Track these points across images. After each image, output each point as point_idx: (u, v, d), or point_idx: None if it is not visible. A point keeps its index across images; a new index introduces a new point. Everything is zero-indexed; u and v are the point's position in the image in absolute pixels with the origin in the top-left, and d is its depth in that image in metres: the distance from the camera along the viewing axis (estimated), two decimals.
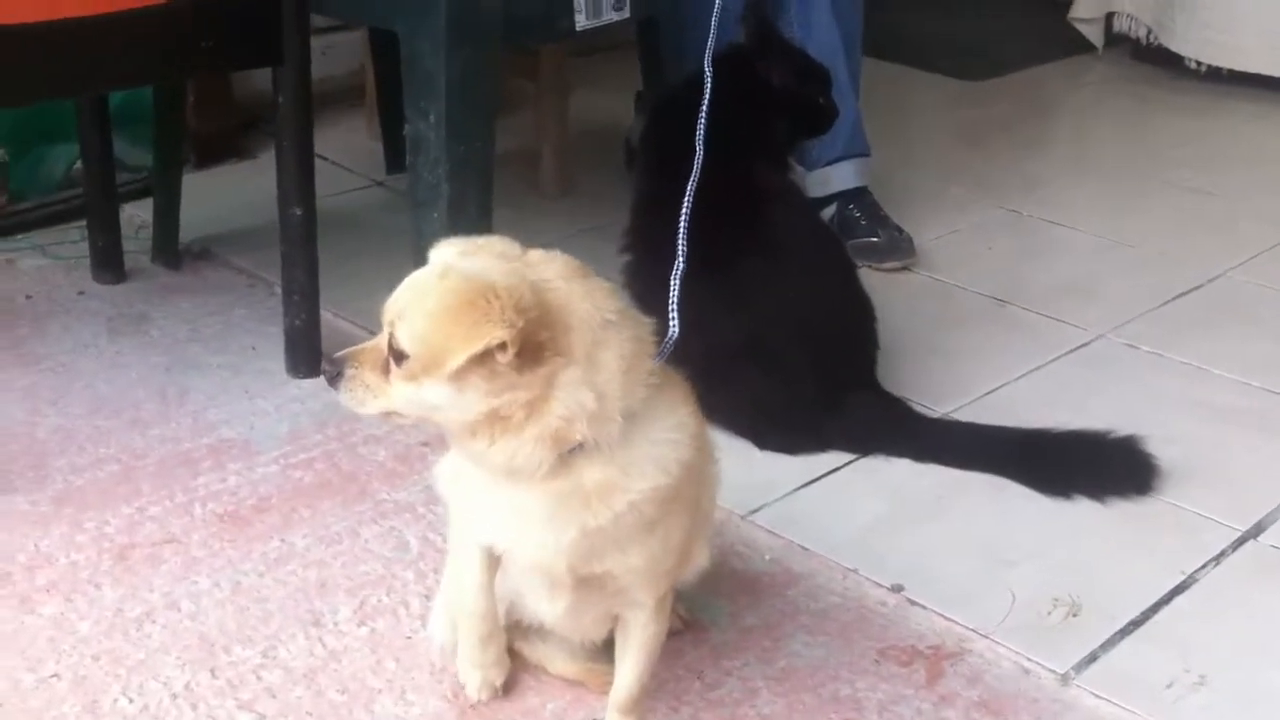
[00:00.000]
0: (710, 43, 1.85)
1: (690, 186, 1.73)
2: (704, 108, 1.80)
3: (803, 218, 2.46)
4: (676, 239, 1.68)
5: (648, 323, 1.44)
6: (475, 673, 1.69)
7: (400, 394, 1.37)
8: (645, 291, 2.06)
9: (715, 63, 2.02)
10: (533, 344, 1.31)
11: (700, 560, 1.63)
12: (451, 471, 1.58)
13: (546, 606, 1.57)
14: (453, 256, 1.39)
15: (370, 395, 1.40)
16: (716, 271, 2.19)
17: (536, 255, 1.40)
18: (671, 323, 1.56)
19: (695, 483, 1.51)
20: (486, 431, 1.35)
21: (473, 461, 1.42)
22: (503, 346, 1.29)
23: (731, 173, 2.22)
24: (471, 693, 1.70)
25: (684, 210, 1.71)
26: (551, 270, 1.38)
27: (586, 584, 1.49)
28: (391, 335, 1.36)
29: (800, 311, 2.26)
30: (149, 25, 2.11)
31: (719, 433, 2.24)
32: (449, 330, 1.30)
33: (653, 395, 1.39)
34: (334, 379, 1.42)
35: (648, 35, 3.26)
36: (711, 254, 2.12)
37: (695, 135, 1.88)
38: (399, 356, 1.36)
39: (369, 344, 1.42)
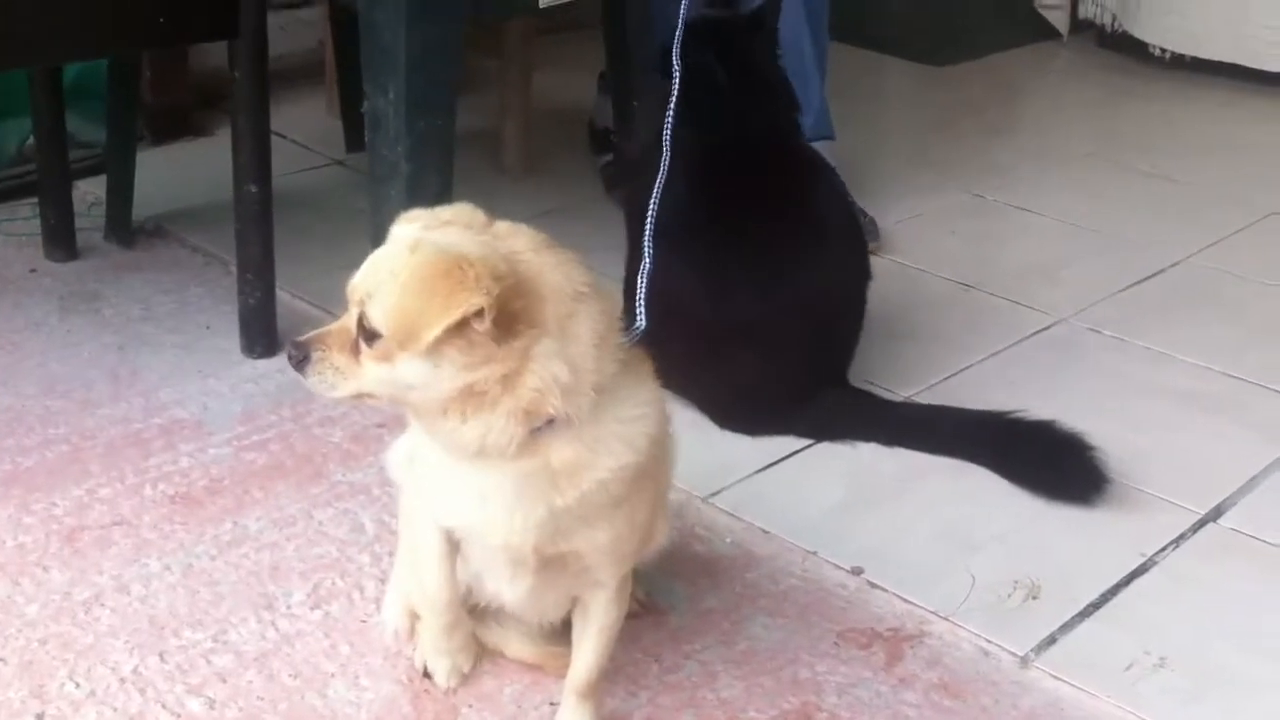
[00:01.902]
0: (681, 22, 1.82)
1: (659, 180, 1.70)
2: (672, 99, 1.77)
3: (838, 202, 2.43)
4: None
5: (610, 293, 1.42)
6: (443, 660, 1.67)
7: (372, 375, 1.34)
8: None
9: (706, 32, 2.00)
10: (508, 313, 1.28)
11: (660, 538, 1.62)
12: (406, 455, 1.56)
13: (508, 588, 1.54)
14: (418, 230, 1.35)
15: (341, 378, 1.36)
16: (739, 245, 2.18)
17: (503, 227, 1.37)
18: (639, 316, 1.53)
19: (660, 459, 1.49)
20: (459, 409, 1.31)
21: (442, 442, 1.38)
22: (480, 313, 1.26)
23: (773, 143, 2.21)
24: (440, 680, 1.67)
25: (651, 207, 1.68)
26: (520, 242, 1.35)
27: (550, 564, 1.47)
28: (361, 315, 1.32)
29: (808, 300, 2.24)
30: None
31: (681, 409, 2.26)
32: (424, 302, 1.27)
33: (621, 370, 1.37)
34: (300, 363, 1.37)
35: (613, 15, 3.21)
36: (739, 225, 2.11)
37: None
38: (370, 336, 1.32)
39: (334, 326, 1.37)
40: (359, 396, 1.38)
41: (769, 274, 2.22)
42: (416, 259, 1.29)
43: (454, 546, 1.54)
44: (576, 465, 1.36)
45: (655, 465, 1.48)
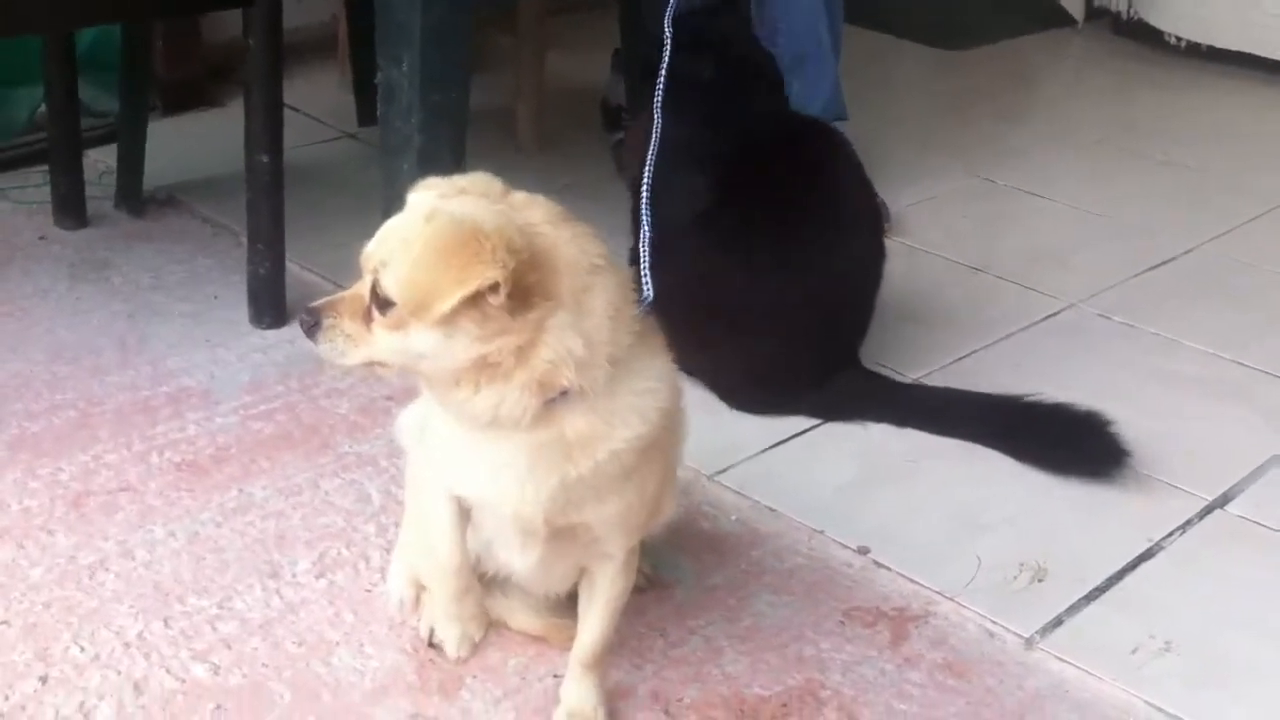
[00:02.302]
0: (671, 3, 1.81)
1: (650, 155, 1.69)
2: (662, 70, 1.76)
3: (857, 179, 2.42)
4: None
5: (628, 271, 1.41)
6: (454, 627, 1.66)
7: (384, 343, 1.33)
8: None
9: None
10: (523, 286, 1.27)
11: (668, 511, 1.61)
12: (418, 423, 1.55)
13: (518, 558, 1.54)
14: (434, 198, 1.34)
15: (351, 345, 1.35)
16: (756, 225, 2.17)
17: (520, 198, 1.36)
18: (645, 285, 1.52)
19: (672, 431, 1.49)
20: (472, 379, 1.30)
21: (454, 412, 1.37)
22: (495, 287, 1.25)
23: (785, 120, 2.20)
24: (451, 649, 1.67)
25: (645, 181, 1.67)
26: (536, 213, 1.34)
27: (560, 535, 1.46)
28: (375, 282, 1.31)
29: (826, 281, 2.24)
30: None
31: (689, 388, 2.25)
32: (439, 272, 1.26)
33: (636, 343, 1.37)
34: (311, 329, 1.36)
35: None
36: (756, 205, 2.09)
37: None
38: (384, 304, 1.31)
39: (347, 293, 1.36)
40: (370, 365, 1.36)
41: (786, 254, 2.21)
42: (432, 229, 1.28)
43: (465, 514, 1.54)
44: (591, 436, 1.35)
45: (666, 437, 1.47)
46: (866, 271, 2.36)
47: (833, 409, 2.27)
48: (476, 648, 1.68)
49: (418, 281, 1.28)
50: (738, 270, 2.20)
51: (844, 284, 2.31)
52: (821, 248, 2.25)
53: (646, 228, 1.64)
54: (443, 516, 1.54)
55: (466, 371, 1.30)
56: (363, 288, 1.34)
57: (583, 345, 1.30)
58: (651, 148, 1.66)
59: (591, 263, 1.32)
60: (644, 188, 1.70)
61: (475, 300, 1.26)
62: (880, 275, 2.38)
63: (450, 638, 1.67)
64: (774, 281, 2.22)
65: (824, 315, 2.27)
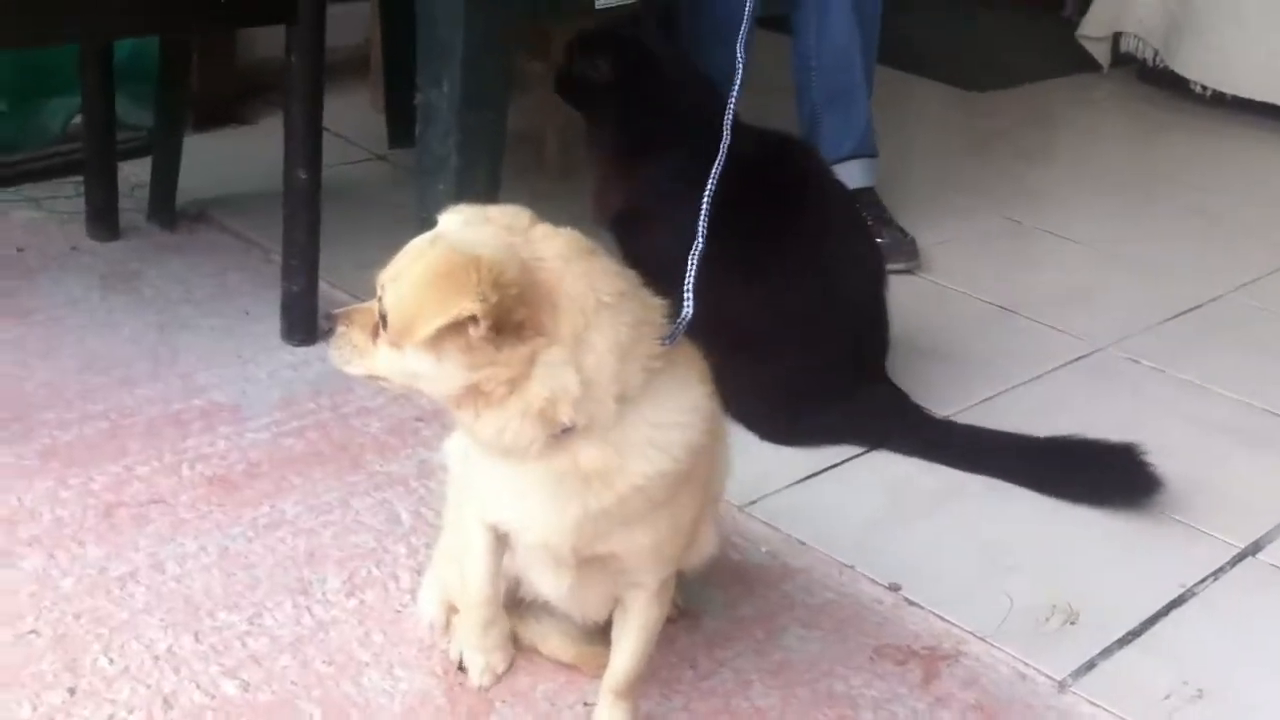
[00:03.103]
0: (745, 27, 1.79)
1: (715, 169, 1.68)
2: (734, 92, 1.75)
3: (839, 198, 2.43)
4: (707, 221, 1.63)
5: (656, 304, 1.40)
6: (479, 657, 1.66)
7: (384, 358, 1.36)
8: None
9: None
10: (509, 320, 1.27)
11: (708, 546, 1.60)
12: (463, 449, 1.55)
13: (551, 585, 1.54)
14: (456, 223, 1.36)
15: (357, 355, 1.40)
16: (746, 253, 2.16)
17: (542, 230, 1.36)
18: (686, 303, 1.51)
19: (707, 462, 1.48)
20: (470, 404, 1.32)
21: (466, 434, 1.39)
22: (473, 320, 1.26)
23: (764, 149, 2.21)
24: (474, 678, 1.66)
25: (708, 190, 1.66)
26: (552, 248, 1.33)
27: (590, 564, 1.46)
28: (380, 298, 1.35)
29: (821, 303, 2.24)
30: None
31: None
32: (423, 298, 1.29)
33: (656, 378, 1.36)
34: (328, 334, 1.44)
35: (663, 23, 3.22)
36: (743, 235, 2.09)
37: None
38: (385, 320, 1.34)
39: (364, 305, 1.40)
40: (372, 377, 1.40)
41: (786, 274, 2.21)
42: (430, 254, 1.31)
43: (502, 543, 1.54)
44: (605, 469, 1.35)
45: (702, 470, 1.46)
46: (868, 275, 2.36)
47: (861, 432, 2.26)
48: (500, 678, 1.67)
49: (406, 304, 1.31)
50: (741, 298, 2.19)
51: (849, 292, 2.30)
52: (819, 261, 2.25)
53: (701, 241, 1.61)
54: (478, 545, 1.55)
55: (462, 396, 1.32)
56: (375, 302, 1.37)
57: (578, 383, 1.30)
58: (717, 163, 1.65)
59: (599, 300, 1.31)
60: (705, 200, 1.67)
61: (458, 329, 1.27)
62: (883, 274, 2.38)
63: (474, 665, 1.67)
64: (778, 303, 2.22)
65: (836, 328, 2.26)
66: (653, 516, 1.41)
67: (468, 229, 1.34)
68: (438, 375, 1.31)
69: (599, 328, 1.31)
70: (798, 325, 2.23)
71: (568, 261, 1.33)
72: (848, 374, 2.27)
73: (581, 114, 2.56)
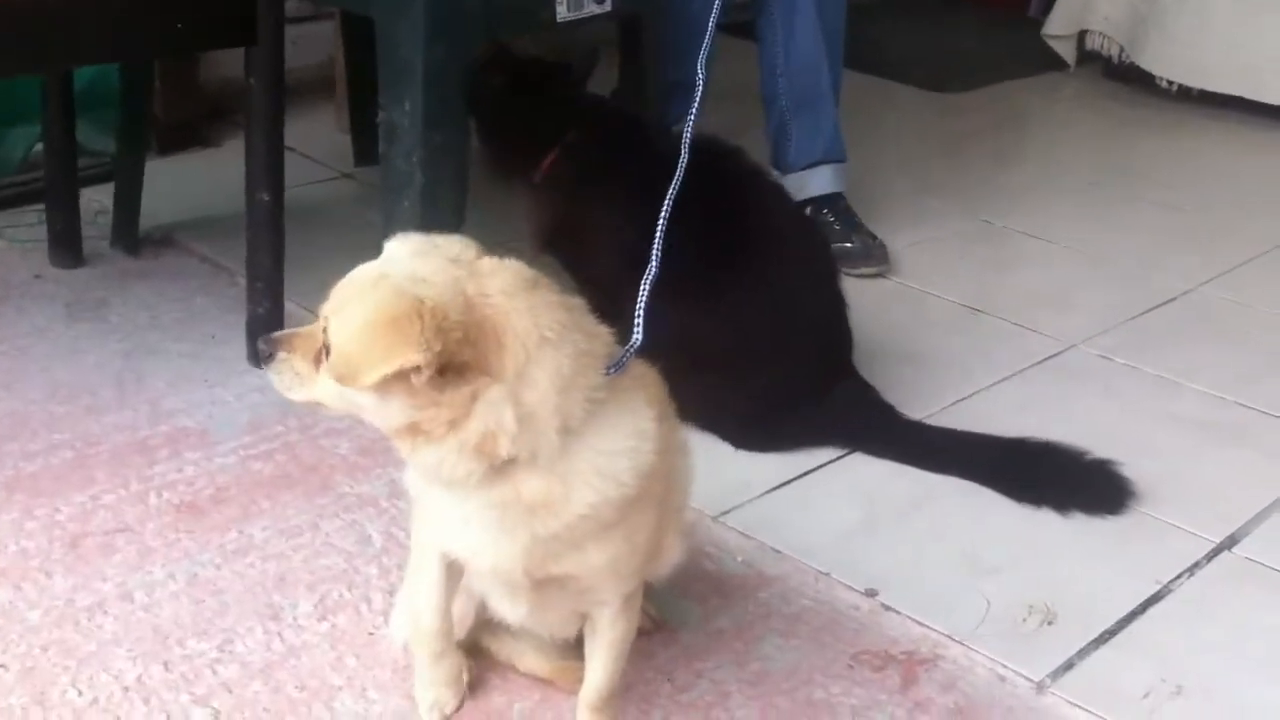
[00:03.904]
0: (706, 44, 1.79)
1: (671, 192, 1.66)
2: (692, 112, 1.74)
3: (776, 197, 2.42)
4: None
5: (600, 332, 1.39)
6: (428, 693, 1.63)
7: (327, 387, 1.35)
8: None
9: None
10: (454, 364, 1.27)
11: (673, 555, 1.59)
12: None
13: (508, 609, 1.53)
14: (403, 253, 1.34)
15: (299, 382, 1.38)
16: (692, 270, 2.15)
17: (487, 264, 1.35)
18: (636, 330, 1.49)
19: (661, 480, 1.46)
20: (409, 438, 1.32)
21: (408, 462, 1.39)
22: (417, 369, 1.25)
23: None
24: (423, 713, 1.62)
25: (663, 215, 1.64)
26: (497, 283, 1.32)
27: (546, 586, 1.45)
28: (325, 330, 1.33)
29: (780, 308, 2.23)
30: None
31: (693, 433, 2.23)
32: (367, 345, 1.27)
33: (601, 407, 1.35)
34: (266, 359, 1.40)
35: (629, 34, 3.21)
36: (687, 247, 2.08)
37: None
38: (329, 351, 1.32)
39: (306, 329, 1.38)
40: (314, 404, 1.39)
41: (738, 280, 2.20)
42: (375, 296, 1.29)
43: (456, 575, 1.53)
44: (548, 499, 1.34)
45: (657, 486, 1.44)
46: (819, 270, 2.35)
47: (833, 433, 2.25)
48: (449, 718, 1.63)
49: (349, 350, 1.29)
50: (695, 313, 2.16)
51: (803, 292, 2.30)
52: (769, 264, 2.24)
53: (655, 266, 1.60)
54: (430, 576, 1.54)
55: (402, 431, 1.32)
56: (318, 329, 1.35)
57: (514, 420, 1.29)
58: (675, 180, 1.64)
59: (541, 335, 1.31)
60: (660, 222, 1.65)
61: (402, 376, 1.27)
62: (834, 267, 2.38)
63: (423, 701, 1.63)
64: (733, 313, 2.21)
65: (796, 330, 2.25)
66: (605, 537, 1.40)
67: (414, 260, 1.33)
68: (380, 411, 1.31)
69: (540, 362, 1.30)
70: (756, 333, 2.22)
71: (511, 296, 1.32)
72: (815, 374, 2.26)
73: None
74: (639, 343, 1.45)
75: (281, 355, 1.38)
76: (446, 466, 1.31)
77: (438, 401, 1.28)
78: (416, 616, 1.59)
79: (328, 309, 1.34)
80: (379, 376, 1.26)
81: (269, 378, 1.40)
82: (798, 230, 2.42)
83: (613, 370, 1.37)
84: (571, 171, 2.38)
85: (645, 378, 1.45)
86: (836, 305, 2.34)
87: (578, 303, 1.38)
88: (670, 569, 1.62)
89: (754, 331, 2.21)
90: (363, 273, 1.34)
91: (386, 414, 1.31)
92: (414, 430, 1.31)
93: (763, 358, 2.22)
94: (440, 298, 1.27)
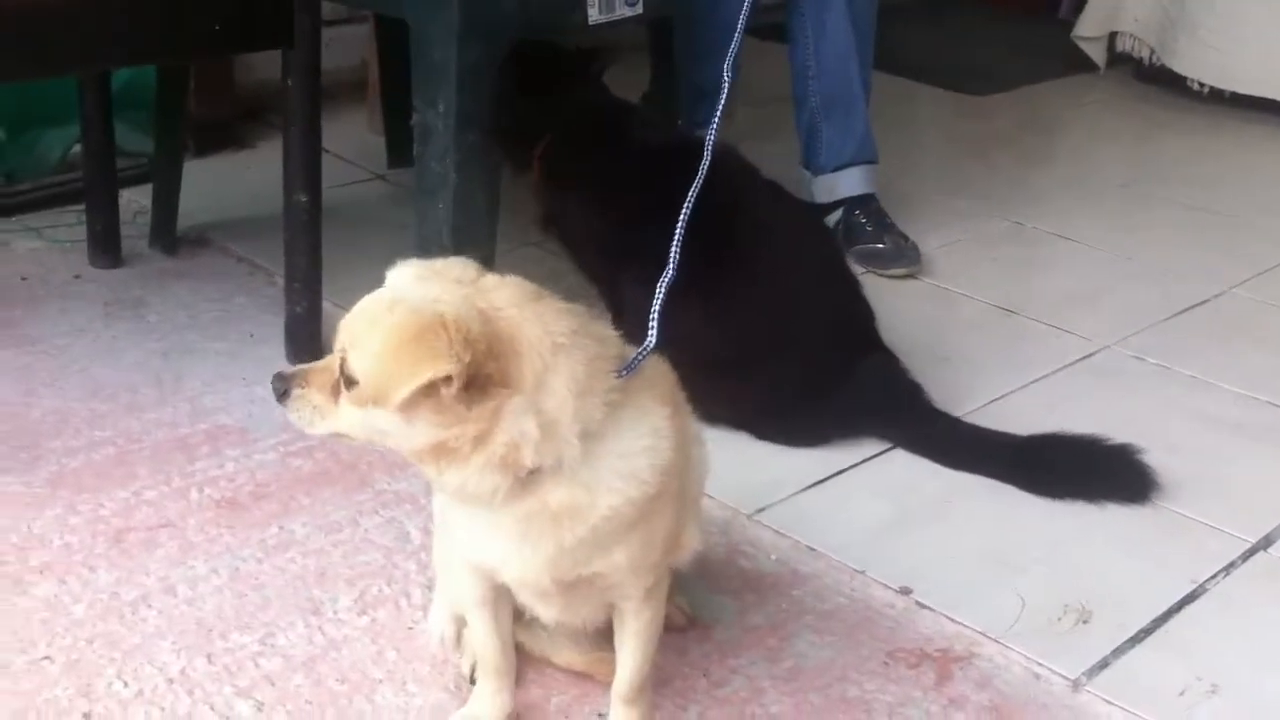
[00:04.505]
0: (734, 47, 1.80)
1: (691, 195, 1.67)
2: (718, 111, 1.76)
3: (765, 187, 2.42)
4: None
5: (609, 336, 1.41)
6: (490, 704, 1.63)
7: (348, 417, 1.36)
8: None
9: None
10: (480, 375, 1.29)
11: (691, 543, 1.59)
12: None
13: (541, 610, 1.55)
14: (407, 278, 1.36)
15: (318, 416, 1.38)
16: (699, 267, 2.16)
17: (490, 280, 1.38)
18: (651, 330, 1.50)
19: (678, 475, 1.47)
20: (433, 460, 1.33)
21: (432, 483, 1.40)
22: (448, 380, 1.27)
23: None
24: None
25: (681, 218, 1.65)
26: (503, 296, 1.35)
27: (574, 588, 1.47)
28: (344, 361, 1.34)
29: (783, 297, 2.24)
30: (159, 2, 2.09)
31: (724, 431, 2.25)
32: (396, 364, 1.29)
33: (616, 410, 1.37)
34: (281, 396, 1.40)
35: (659, 36, 3.24)
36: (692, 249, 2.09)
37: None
38: (349, 381, 1.34)
39: (319, 364, 1.40)
40: (336, 436, 1.40)
41: (738, 287, 2.22)
42: (392, 319, 1.30)
43: (495, 589, 1.54)
44: (574, 506, 1.36)
45: (674, 482, 1.46)
46: (823, 253, 2.38)
47: (866, 417, 2.27)
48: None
49: (377, 370, 1.31)
50: (699, 308, 2.18)
51: (809, 277, 2.31)
52: (773, 257, 2.26)
53: (672, 269, 1.60)
54: (471, 598, 1.55)
55: (427, 452, 1.33)
56: (333, 361, 1.36)
57: (537, 429, 1.31)
58: (694, 186, 1.65)
59: (554, 342, 1.33)
60: (679, 228, 1.66)
61: (431, 390, 1.28)
62: (839, 250, 2.42)
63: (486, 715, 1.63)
64: (735, 304, 2.22)
65: (802, 316, 2.27)
66: (627, 537, 1.42)
67: (420, 285, 1.35)
68: (406, 434, 1.32)
69: (556, 369, 1.32)
70: (761, 325, 2.23)
71: (520, 308, 1.34)
72: (832, 356, 2.27)
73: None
74: (652, 345, 1.46)
75: (297, 391, 1.38)
76: (472, 484, 1.33)
77: (464, 418, 1.30)
78: (476, 649, 1.61)
79: (343, 341, 1.35)
80: (411, 391, 1.27)
81: (288, 415, 1.40)
82: (796, 220, 2.43)
83: (625, 373, 1.38)
84: (557, 163, 2.43)
85: (655, 374, 1.46)
86: (845, 284, 2.34)
87: (582, 309, 1.40)
88: (690, 558, 1.63)
89: (759, 324, 2.22)
90: (372, 302, 1.36)
91: (412, 435, 1.32)
92: (440, 451, 1.32)
93: (771, 348, 2.23)
94: (459, 313, 1.29)
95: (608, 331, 1.42)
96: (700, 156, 2.27)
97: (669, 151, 2.27)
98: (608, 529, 1.39)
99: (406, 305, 1.31)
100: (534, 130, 2.46)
